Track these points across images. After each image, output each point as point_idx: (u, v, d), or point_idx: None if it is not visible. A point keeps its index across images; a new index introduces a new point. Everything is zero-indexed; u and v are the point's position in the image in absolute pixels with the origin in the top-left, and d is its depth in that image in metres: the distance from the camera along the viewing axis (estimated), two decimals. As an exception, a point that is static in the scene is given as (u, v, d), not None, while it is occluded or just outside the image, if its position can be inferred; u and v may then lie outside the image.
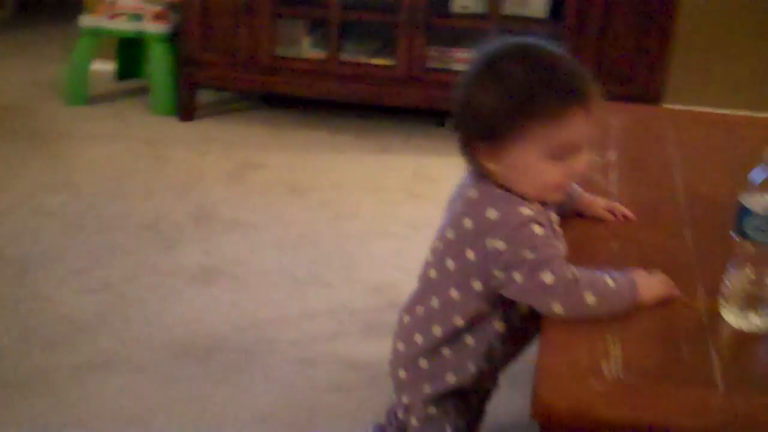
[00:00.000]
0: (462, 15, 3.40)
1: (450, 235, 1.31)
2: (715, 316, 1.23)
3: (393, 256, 2.53)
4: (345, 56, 3.45)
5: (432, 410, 1.40)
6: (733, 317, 1.21)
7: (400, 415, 1.48)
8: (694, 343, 1.16)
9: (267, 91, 3.65)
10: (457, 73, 3.20)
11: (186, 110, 3.58)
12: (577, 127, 1.24)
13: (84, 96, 3.71)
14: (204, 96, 3.74)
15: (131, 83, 3.96)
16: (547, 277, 1.19)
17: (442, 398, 1.38)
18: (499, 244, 1.22)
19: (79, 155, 3.19)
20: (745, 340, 1.19)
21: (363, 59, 3.46)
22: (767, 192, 1.17)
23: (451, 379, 1.36)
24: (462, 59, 3.34)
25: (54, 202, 2.79)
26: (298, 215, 2.78)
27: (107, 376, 1.96)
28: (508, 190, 1.27)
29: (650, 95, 3.23)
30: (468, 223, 1.27)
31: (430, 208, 2.67)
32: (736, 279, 1.20)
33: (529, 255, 1.20)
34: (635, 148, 1.91)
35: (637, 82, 3.25)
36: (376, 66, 3.44)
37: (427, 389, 1.38)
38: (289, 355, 2.06)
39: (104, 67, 3.95)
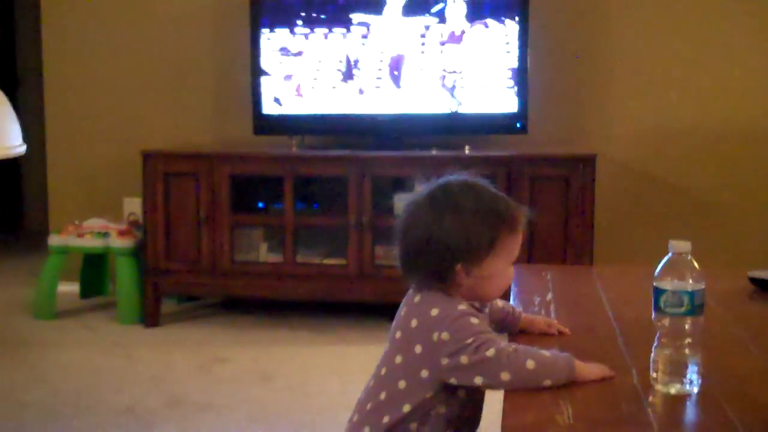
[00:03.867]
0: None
1: (398, 335, 1.54)
2: (648, 387, 1.45)
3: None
4: (300, 258, 3.74)
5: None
6: (662, 386, 1.44)
7: None
8: (631, 403, 1.38)
9: (229, 295, 3.90)
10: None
11: (151, 317, 3.79)
12: (521, 236, 1.55)
13: (52, 310, 3.91)
14: (166, 307, 3.97)
15: (95, 300, 4.18)
16: (489, 352, 1.42)
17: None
18: (444, 335, 1.46)
19: (51, 359, 3.35)
20: (673, 400, 1.41)
21: (317, 260, 3.75)
22: (674, 274, 1.44)
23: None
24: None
25: (31, 397, 2.93)
26: (268, 396, 2.95)
27: None
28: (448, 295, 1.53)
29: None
30: (414, 322, 1.52)
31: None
32: (660, 352, 1.45)
33: (470, 340, 1.44)
34: (569, 292, 2.19)
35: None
36: (329, 266, 3.73)
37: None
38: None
39: (67, 288, 4.17)
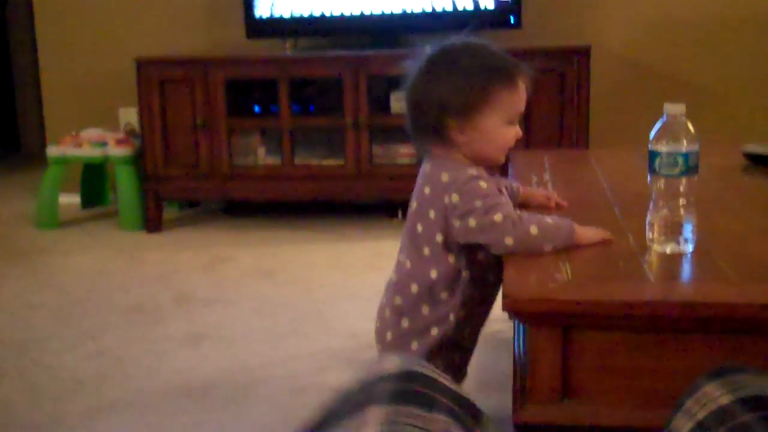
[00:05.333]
0: (401, 115, 3.75)
1: (415, 206, 1.59)
2: (644, 248, 1.50)
3: (365, 310, 2.74)
4: (298, 160, 3.77)
5: (422, 368, 1.62)
6: (657, 246, 1.48)
7: None
8: (629, 261, 1.43)
9: (228, 198, 3.93)
10: (401, 166, 3.54)
11: (153, 223, 3.83)
12: (522, 95, 1.57)
13: (54, 220, 3.95)
14: (168, 213, 4.01)
15: (96, 210, 4.23)
16: (497, 217, 1.46)
17: (429, 355, 1.61)
18: (455, 198, 1.50)
19: (57, 265, 3.41)
20: (668, 258, 1.46)
21: (315, 162, 3.78)
22: (669, 136, 1.47)
23: (434, 331, 1.59)
24: (404, 154, 3.68)
25: (41, 299, 2.99)
26: (271, 291, 3.02)
27: (114, 416, 2.13)
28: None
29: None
30: (427, 189, 1.56)
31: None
32: (655, 213, 1.49)
33: (478, 203, 1.48)
34: (566, 172, 2.23)
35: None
36: (327, 167, 3.76)
37: (414, 345, 1.61)
38: (280, 386, 2.26)
39: (69, 199, 4.21)
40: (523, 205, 1.80)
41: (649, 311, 1.25)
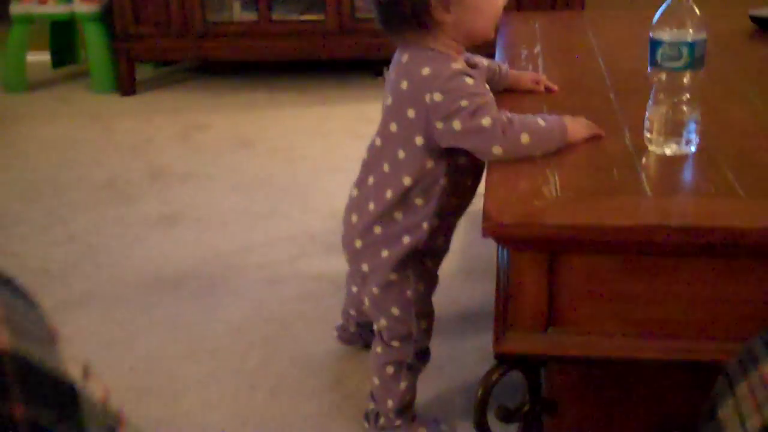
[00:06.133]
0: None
1: (389, 101, 1.42)
2: (641, 149, 1.36)
3: (345, 187, 2.58)
4: (276, 16, 3.54)
5: (392, 276, 1.49)
6: (657, 146, 1.34)
7: (359, 282, 1.58)
8: (623, 168, 1.28)
9: (202, 58, 3.73)
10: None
11: (126, 85, 3.64)
12: None
13: (23, 83, 3.76)
14: (143, 72, 3.82)
15: (68, 69, 4.02)
16: (485, 121, 1.30)
17: (401, 263, 1.48)
18: (437, 96, 1.33)
19: (25, 134, 3.25)
20: (668, 161, 1.32)
21: (294, 17, 3.56)
22: (673, 23, 1.30)
23: (406, 240, 1.46)
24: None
25: (6, 176, 2.85)
26: (249, 163, 2.88)
27: (84, 310, 2.04)
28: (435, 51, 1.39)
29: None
30: (404, 84, 1.38)
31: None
32: (655, 110, 1.34)
33: (464, 103, 1.31)
34: (558, 41, 2.05)
35: (558, 7, 3.40)
36: (307, 22, 3.54)
37: (385, 253, 1.48)
38: (256, 276, 2.16)
39: (39, 58, 3.99)
40: (510, 89, 1.64)
41: (644, 236, 1.12)
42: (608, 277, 1.17)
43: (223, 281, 2.14)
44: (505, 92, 1.64)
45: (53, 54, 4.05)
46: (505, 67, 1.64)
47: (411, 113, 1.38)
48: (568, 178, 1.25)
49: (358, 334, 1.84)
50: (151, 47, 3.60)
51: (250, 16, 3.56)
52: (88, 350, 1.88)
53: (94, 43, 3.67)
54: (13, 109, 3.54)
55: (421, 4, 1.35)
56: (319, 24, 3.50)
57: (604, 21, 2.20)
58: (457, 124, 1.32)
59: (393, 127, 1.42)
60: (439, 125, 1.34)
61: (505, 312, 1.23)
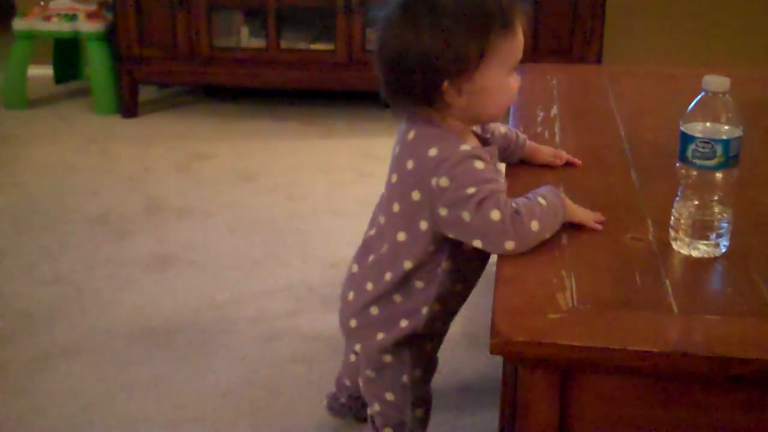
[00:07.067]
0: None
1: (394, 179, 1.32)
2: (666, 247, 1.25)
3: (347, 233, 2.52)
4: (284, 44, 3.45)
5: (388, 359, 1.40)
6: (683, 246, 1.24)
7: (352, 358, 1.49)
8: (646, 272, 1.18)
9: (208, 83, 3.63)
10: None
11: (128, 107, 3.55)
12: (521, 39, 1.28)
13: (23, 99, 3.66)
14: (146, 93, 3.73)
15: (70, 85, 3.92)
16: (494, 215, 1.20)
17: (397, 346, 1.39)
18: (443, 181, 1.23)
19: (22, 156, 3.15)
20: (695, 265, 1.22)
21: (303, 46, 3.46)
22: (707, 116, 1.20)
23: (404, 323, 1.36)
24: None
25: (2, 203, 2.75)
26: (250, 200, 2.78)
27: (65, 363, 1.94)
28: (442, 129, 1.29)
29: (588, 62, 3.29)
30: (410, 163, 1.28)
31: (379, 185, 2.64)
32: (683, 207, 1.23)
33: (471, 190, 1.21)
34: (576, 102, 1.95)
35: (574, 52, 3.30)
36: (317, 51, 3.44)
37: (380, 336, 1.38)
38: (249, 332, 2.06)
39: (41, 71, 3.90)
40: (525, 161, 1.54)
41: (668, 364, 1.01)
42: (626, 401, 1.07)
43: (213, 337, 2.04)
44: (521, 165, 1.54)
45: (56, 69, 3.95)
46: (523, 137, 1.54)
47: (416, 196, 1.28)
48: (585, 284, 1.14)
49: (348, 407, 1.74)
50: (156, 70, 3.51)
51: (258, 42, 3.46)
52: (67, 411, 1.78)
53: (97, 63, 3.57)
54: (12, 127, 3.44)
55: (432, 86, 1.25)
56: (329, 54, 3.40)
57: (625, 80, 2.09)
58: (465, 215, 1.21)
59: (395, 207, 1.32)
60: (443, 212, 1.24)
61: (511, 428, 1.13)
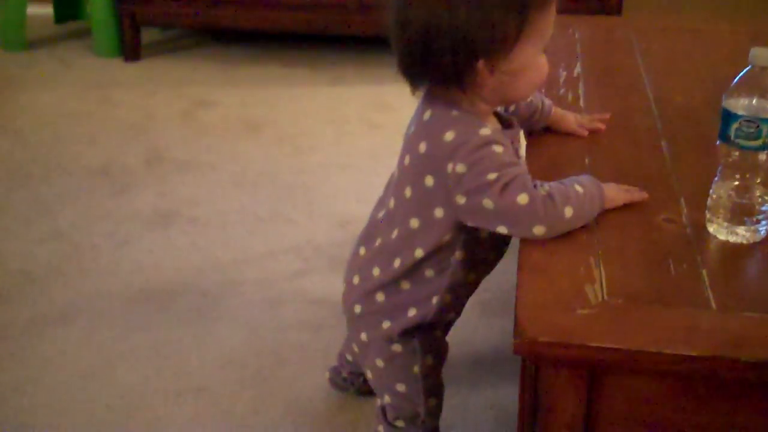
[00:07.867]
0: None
1: (407, 161, 1.22)
2: (701, 231, 1.16)
3: (355, 189, 2.44)
4: (293, -15, 3.31)
5: (397, 348, 1.32)
6: (720, 230, 1.14)
7: (356, 349, 1.40)
8: (681, 260, 1.09)
9: (213, 26, 3.50)
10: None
11: (131, 50, 3.43)
12: (553, 14, 1.17)
13: (22, 41, 3.55)
14: (150, 35, 3.60)
15: (71, 26, 3.80)
16: (521, 198, 1.10)
17: (406, 334, 1.31)
18: (460, 167, 1.12)
19: (21, 101, 3.05)
20: (734, 253, 1.13)
21: (312, -14, 3.33)
22: (752, 93, 1.10)
23: (412, 312, 1.28)
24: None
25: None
26: (255, 152, 2.68)
27: (64, 328, 1.87)
28: (463, 111, 1.19)
29: (608, 10, 3.15)
30: (423, 146, 1.17)
31: (390, 137, 2.58)
32: (722, 189, 1.14)
33: (492, 176, 1.11)
34: (601, 60, 1.84)
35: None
36: (326, -7, 3.31)
37: (387, 324, 1.30)
38: (253, 295, 1.98)
39: (41, 11, 3.77)
40: (551, 128, 1.45)
41: (707, 368, 0.93)
42: (657, 402, 0.99)
43: (216, 300, 1.97)
44: (547, 134, 1.44)
45: (56, 8, 3.82)
46: (548, 103, 1.44)
47: (429, 181, 1.17)
48: (615, 274, 1.06)
49: (350, 381, 1.67)
50: (159, 11, 3.38)
51: (266, -17, 3.33)
52: (64, 381, 1.72)
53: (98, 2, 3.45)
54: (10, 70, 3.33)
55: (465, 65, 1.13)
56: (339, -4, 3.27)
57: (651, 35, 1.98)
58: (488, 203, 1.11)
59: (408, 192, 1.22)
60: (461, 200, 1.14)
61: (532, 428, 1.05)
